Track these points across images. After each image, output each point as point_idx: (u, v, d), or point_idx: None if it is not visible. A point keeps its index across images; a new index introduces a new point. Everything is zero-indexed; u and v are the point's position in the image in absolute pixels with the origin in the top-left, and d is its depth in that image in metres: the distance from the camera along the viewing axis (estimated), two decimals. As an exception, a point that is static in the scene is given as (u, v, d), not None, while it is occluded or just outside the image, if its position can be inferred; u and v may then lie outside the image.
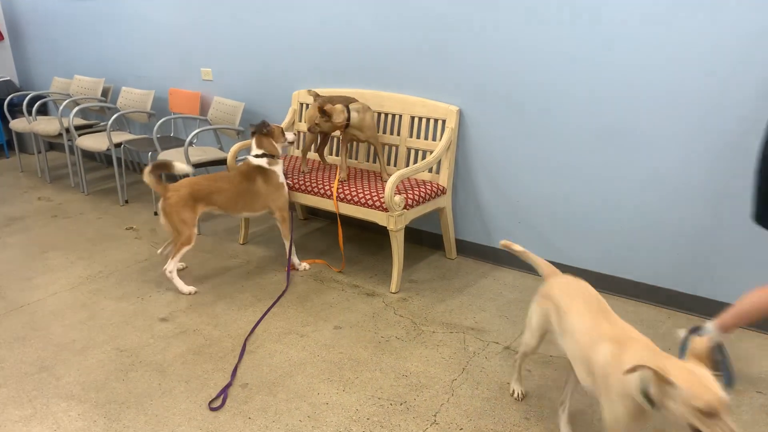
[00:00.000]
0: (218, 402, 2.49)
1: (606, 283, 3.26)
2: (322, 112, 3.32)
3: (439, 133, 3.54)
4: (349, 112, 3.38)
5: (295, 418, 2.38)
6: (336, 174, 3.65)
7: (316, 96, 3.72)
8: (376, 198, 3.26)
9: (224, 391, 2.56)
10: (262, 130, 3.46)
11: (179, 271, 3.63)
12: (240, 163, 3.58)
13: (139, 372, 2.69)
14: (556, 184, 3.28)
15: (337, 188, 3.41)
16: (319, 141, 3.84)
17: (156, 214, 4.39)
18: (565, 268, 3.38)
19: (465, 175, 3.60)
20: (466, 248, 3.74)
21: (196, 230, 3.37)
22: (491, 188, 3.53)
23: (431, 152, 3.57)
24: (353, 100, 3.51)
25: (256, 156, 3.49)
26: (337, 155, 4.03)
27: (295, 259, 3.61)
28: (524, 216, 3.44)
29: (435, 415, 2.37)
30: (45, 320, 3.14)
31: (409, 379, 2.60)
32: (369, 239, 4.06)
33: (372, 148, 3.84)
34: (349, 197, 3.35)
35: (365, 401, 2.46)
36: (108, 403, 2.49)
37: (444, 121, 3.52)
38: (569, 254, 3.35)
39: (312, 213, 4.52)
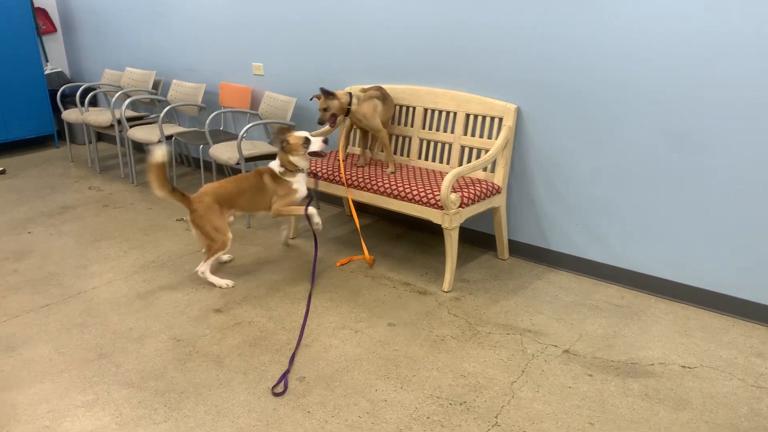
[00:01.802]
0: (280, 388, 2.50)
1: (668, 289, 3.17)
2: (326, 93, 3.47)
3: (495, 131, 3.50)
4: (351, 96, 3.55)
5: (354, 413, 2.36)
6: (384, 168, 3.66)
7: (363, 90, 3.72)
8: (431, 195, 3.23)
9: (284, 377, 2.56)
10: (280, 146, 3.35)
11: (225, 263, 3.67)
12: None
13: (196, 362, 2.71)
14: (619, 186, 3.21)
15: (346, 175, 3.42)
16: (359, 135, 3.85)
17: (181, 220, 4.40)
18: (623, 273, 3.30)
19: (520, 175, 3.55)
20: (518, 249, 3.69)
21: (230, 234, 3.35)
22: (548, 189, 3.47)
23: (486, 151, 3.53)
24: (380, 92, 3.63)
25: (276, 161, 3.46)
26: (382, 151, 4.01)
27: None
28: (582, 218, 3.38)
29: (496, 417, 2.33)
30: (101, 308, 3.18)
31: (468, 379, 2.56)
32: (418, 237, 4.03)
33: (405, 141, 3.80)
34: (402, 194, 3.33)
35: (424, 400, 2.43)
36: (167, 392, 2.50)
37: (501, 119, 3.47)
38: (629, 258, 3.27)
39: (361, 209, 4.50)
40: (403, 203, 3.34)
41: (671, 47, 2.88)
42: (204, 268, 3.36)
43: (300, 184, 3.43)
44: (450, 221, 3.17)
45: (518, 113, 3.45)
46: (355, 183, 3.55)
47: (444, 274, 3.43)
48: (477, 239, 3.84)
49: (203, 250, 3.39)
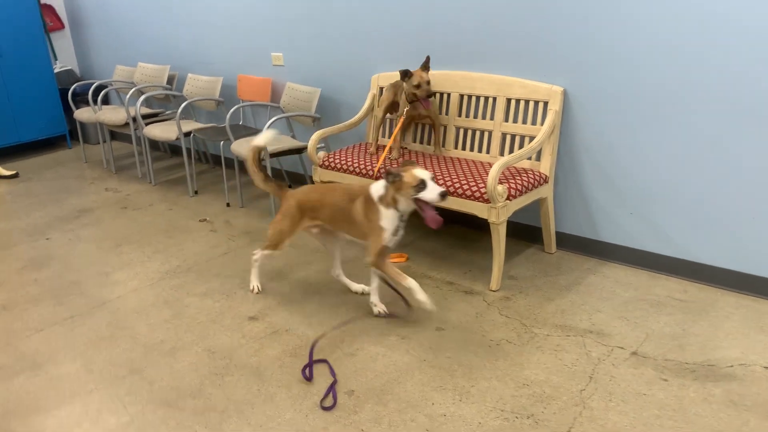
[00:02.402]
0: (329, 401, 2.31)
1: (736, 281, 2.94)
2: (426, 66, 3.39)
3: (540, 116, 3.26)
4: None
5: (412, 431, 2.16)
6: (414, 159, 3.45)
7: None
8: (475, 188, 3.01)
9: (332, 389, 2.37)
10: (389, 180, 2.67)
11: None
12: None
13: (235, 376, 2.51)
14: (679, 172, 2.98)
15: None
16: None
17: (204, 221, 4.20)
18: (684, 264, 3.07)
19: (567, 163, 3.32)
20: (566, 241, 3.46)
21: (287, 243, 3.00)
22: (598, 176, 3.23)
23: (530, 138, 3.30)
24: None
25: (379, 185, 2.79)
26: (423, 142, 3.78)
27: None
28: (637, 207, 3.15)
29: (569, 431, 2.12)
30: (129, 319, 2.99)
31: (532, 388, 2.35)
32: (456, 231, 3.81)
33: (456, 132, 3.58)
34: (443, 187, 3.10)
35: (487, 413, 2.23)
36: (207, 411, 2.31)
37: (546, 103, 3.23)
38: (690, 249, 3.04)
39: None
40: (451, 199, 3.11)
41: (741, 19, 2.63)
42: (258, 255, 3.15)
43: (389, 224, 2.72)
44: (497, 215, 2.95)
45: (564, 96, 3.21)
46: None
47: (490, 271, 3.22)
48: (521, 232, 3.62)
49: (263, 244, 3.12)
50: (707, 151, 2.87)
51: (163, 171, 5.47)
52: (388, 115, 3.76)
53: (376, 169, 3.39)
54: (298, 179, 4.87)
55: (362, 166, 3.47)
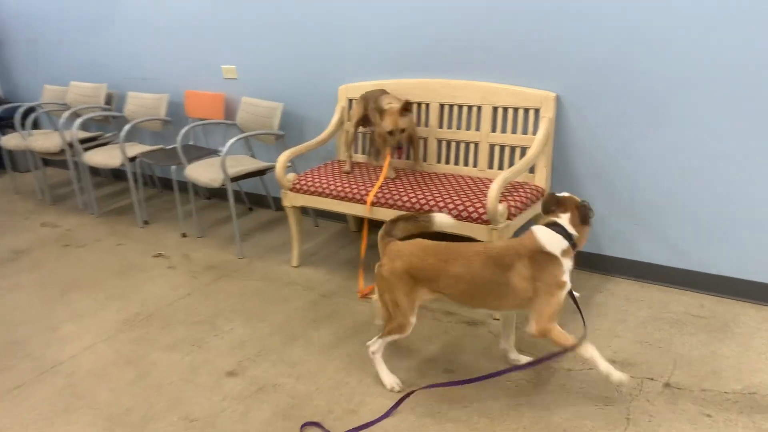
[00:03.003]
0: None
1: (755, 293, 2.76)
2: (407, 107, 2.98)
3: (532, 124, 3.01)
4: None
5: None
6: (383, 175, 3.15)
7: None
8: (471, 208, 2.72)
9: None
10: (581, 213, 2.21)
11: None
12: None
13: (222, 451, 2.15)
14: (685, 180, 2.78)
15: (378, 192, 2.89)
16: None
17: (159, 256, 3.78)
18: (697, 276, 2.88)
19: (563, 174, 3.08)
20: (563, 257, 3.22)
21: (413, 318, 2.30)
22: (598, 187, 3.01)
23: (522, 149, 3.04)
24: (383, 92, 3.19)
25: (550, 228, 2.19)
26: (401, 157, 3.48)
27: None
28: (642, 217, 2.93)
29: (621, 491, 1.86)
30: (87, 384, 2.57)
31: (567, 438, 2.08)
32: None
33: (438, 145, 3.30)
34: (436, 209, 2.81)
35: (524, 475, 1.94)
36: (194, 502, 1.94)
37: (538, 111, 2.98)
38: (703, 260, 2.85)
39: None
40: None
41: (745, 20, 2.44)
42: (376, 347, 2.40)
43: (569, 275, 2.20)
44: (499, 238, 2.67)
45: (558, 102, 2.97)
46: (380, 200, 3.01)
47: (489, 296, 2.95)
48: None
49: (379, 320, 2.45)
50: (715, 157, 2.67)
51: (107, 199, 4.98)
52: (360, 129, 3.44)
53: (370, 197, 3.01)
54: (259, 201, 4.49)
55: (340, 188, 3.13)
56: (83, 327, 3.02)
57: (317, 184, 3.22)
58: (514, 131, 3.07)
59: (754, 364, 2.37)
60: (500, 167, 3.14)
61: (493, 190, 2.61)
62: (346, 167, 3.31)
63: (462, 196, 2.83)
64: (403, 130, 2.96)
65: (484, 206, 2.71)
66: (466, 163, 3.25)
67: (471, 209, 2.72)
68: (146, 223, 4.36)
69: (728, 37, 2.50)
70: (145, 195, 4.95)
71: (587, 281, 3.09)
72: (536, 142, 2.90)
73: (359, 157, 3.60)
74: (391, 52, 3.41)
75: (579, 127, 2.96)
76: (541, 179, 2.99)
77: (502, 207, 2.65)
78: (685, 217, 2.83)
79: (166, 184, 5.07)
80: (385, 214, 2.97)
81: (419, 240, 2.33)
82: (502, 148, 3.11)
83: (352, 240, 3.81)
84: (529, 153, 2.87)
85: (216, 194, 4.78)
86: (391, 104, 2.98)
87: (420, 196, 2.88)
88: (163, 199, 4.87)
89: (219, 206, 4.63)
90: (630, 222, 2.97)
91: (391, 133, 2.97)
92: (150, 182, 5.16)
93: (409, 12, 3.25)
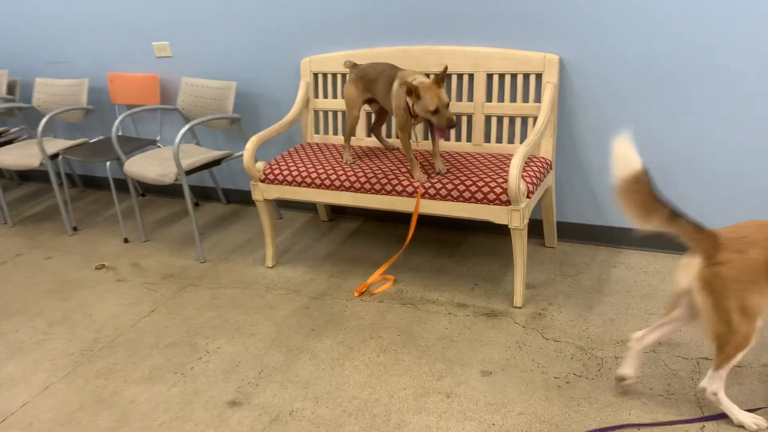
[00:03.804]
0: None
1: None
2: (409, 92, 2.43)
3: (533, 91, 2.75)
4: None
5: None
6: (410, 163, 2.79)
7: (353, 66, 2.81)
8: (486, 189, 2.44)
9: None
10: None
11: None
12: None
13: (251, 506, 1.77)
14: (697, 144, 2.62)
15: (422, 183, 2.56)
16: (374, 118, 2.96)
17: (102, 267, 3.24)
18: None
19: (568, 143, 2.85)
20: (568, 232, 3.02)
21: (760, 323, 1.74)
22: (604, 156, 2.80)
23: (522, 119, 2.79)
24: (391, 67, 2.68)
25: None
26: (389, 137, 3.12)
27: None
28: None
29: (728, 494, 1.66)
30: (52, 439, 2.09)
31: (646, 438, 1.86)
32: (435, 237, 3.23)
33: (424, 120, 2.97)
34: (444, 192, 2.51)
35: (617, 490, 1.71)
36: None
37: (539, 76, 2.73)
38: (710, 222, 2.71)
39: (337, 211, 3.60)
40: (444, 203, 2.52)
41: (774, -43, 2.28)
42: (716, 386, 1.83)
43: None
44: (521, 218, 2.41)
45: (561, 66, 2.72)
46: (375, 186, 2.66)
47: (499, 280, 2.72)
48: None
49: (713, 341, 1.80)
50: (729, 121, 2.53)
51: (19, 205, 4.29)
52: (365, 107, 2.99)
53: (419, 184, 2.55)
54: (205, 194, 4.00)
55: (328, 175, 2.75)
56: (29, 364, 2.49)
57: (299, 172, 2.82)
58: (512, 100, 2.80)
59: (802, 332, 2.26)
60: (498, 140, 2.87)
61: (514, 167, 2.34)
62: (347, 156, 2.88)
63: (470, 175, 2.54)
64: (448, 105, 2.41)
65: (500, 185, 2.43)
66: (458, 138, 2.95)
67: (486, 190, 2.44)
68: (75, 229, 3.76)
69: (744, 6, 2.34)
70: (71, 195, 4.31)
71: (595, 255, 2.90)
72: (543, 110, 2.64)
73: (332, 139, 3.22)
74: (362, 16, 3.03)
75: (584, 93, 2.73)
76: (547, 151, 2.75)
77: (522, 185, 2.38)
78: (695, 181, 2.68)
79: (89, 182, 4.44)
80: (373, 201, 2.63)
81: (749, 222, 1.82)
82: (500, 119, 2.84)
83: (325, 231, 3.43)
84: (539, 122, 2.61)
85: (150, 190, 4.23)
86: (420, 80, 2.47)
87: (430, 180, 2.56)
88: (89, 200, 4.26)
89: (157, 204, 4.09)
90: (641, 190, 2.80)
91: (435, 111, 2.38)
92: (71, 182, 4.50)
93: (383, -29, 2.89)
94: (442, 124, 2.39)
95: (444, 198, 2.51)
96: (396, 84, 2.55)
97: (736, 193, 2.64)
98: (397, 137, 2.71)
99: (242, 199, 3.86)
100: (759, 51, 2.40)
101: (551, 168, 2.76)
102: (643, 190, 1.71)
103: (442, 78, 2.40)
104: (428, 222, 3.29)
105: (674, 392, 2.02)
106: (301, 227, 3.51)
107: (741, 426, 1.84)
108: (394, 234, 3.30)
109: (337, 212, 3.58)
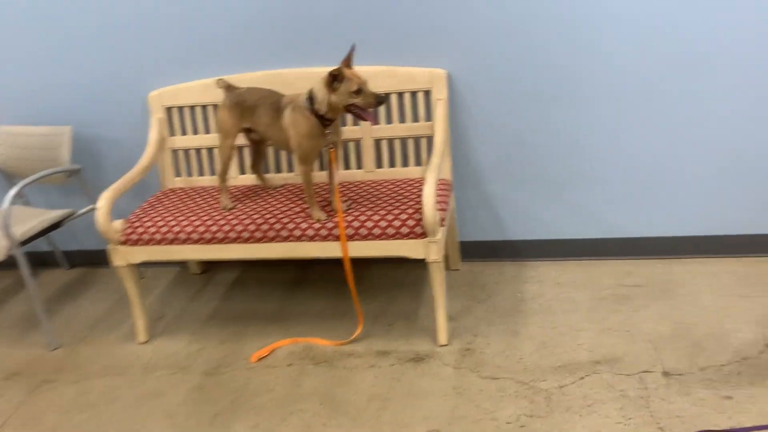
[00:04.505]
0: None
1: (670, 247, 2.71)
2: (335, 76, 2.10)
3: (423, 109, 2.56)
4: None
5: None
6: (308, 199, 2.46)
7: (228, 87, 2.43)
8: (398, 223, 2.20)
9: None
10: None
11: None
12: None
13: None
14: (591, 149, 2.59)
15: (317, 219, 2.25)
16: (252, 152, 2.59)
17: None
18: (613, 243, 2.74)
19: (461, 160, 2.70)
20: (469, 252, 2.87)
21: None
22: (501, 170, 2.68)
23: (414, 139, 2.59)
24: (273, 93, 2.37)
25: None
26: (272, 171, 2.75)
27: None
28: (550, 194, 2.69)
29: None
30: None
31: (622, 477, 1.73)
32: (335, 278, 2.91)
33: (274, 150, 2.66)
34: (350, 231, 2.22)
35: None
36: None
37: (428, 93, 2.54)
38: (612, 226, 2.71)
39: (210, 261, 3.15)
40: (362, 245, 2.23)
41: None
42: None
43: None
44: (438, 250, 2.20)
45: (449, 81, 2.55)
46: (268, 233, 2.30)
47: (412, 317, 2.52)
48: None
49: None
50: (619, 124, 2.53)
51: None
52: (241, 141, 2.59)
53: (340, 227, 2.22)
54: (41, 261, 3.33)
55: (207, 227, 2.34)
56: None
57: (164, 229, 2.37)
58: (401, 120, 2.58)
59: (723, 324, 2.28)
60: (391, 165, 2.65)
61: (430, 196, 2.11)
62: (225, 201, 2.47)
63: (375, 209, 2.28)
64: (366, 83, 2.11)
65: (411, 217, 2.20)
66: (347, 166, 2.68)
67: (397, 224, 2.19)
68: None
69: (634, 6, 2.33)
70: None
71: (503, 272, 2.78)
72: (438, 128, 2.45)
73: (199, 181, 2.80)
74: (222, 39, 2.65)
75: (474, 106, 2.59)
76: (446, 171, 2.57)
77: (437, 214, 2.17)
78: (593, 186, 2.66)
79: None
80: (262, 250, 2.29)
81: None
82: (390, 141, 2.62)
83: (200, 287, 2.99)
84: (438, 142, 2.41)
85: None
86: (312, 87, 2.19)
87: (330, 219, 2.26)
88: None
89: (-22, 279, 3.34)
90: (538, 201, 2.72)
91: (358, 91, 2.08)
92: None
93: (238, -13, 2.54)
94: (370, 100, 2.10)
95: (351, 238, 2.23)
96: (289, 110, 2.23)
97: (632, 202, 2.65)
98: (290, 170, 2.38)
99: (89, 260, 3.26)
100: (645, 56, 2.41)
101: (452, 188, 2.58)
102: None
103: (349, 59, 2.14)
104: (311, 261, 2.98)
105: (630, 416, 1.91)
106: (169, 286, 3.02)
107: None
108: (284, 278, 2.95)
109: (211, 261, 3.14)
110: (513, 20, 2.43)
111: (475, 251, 2.86)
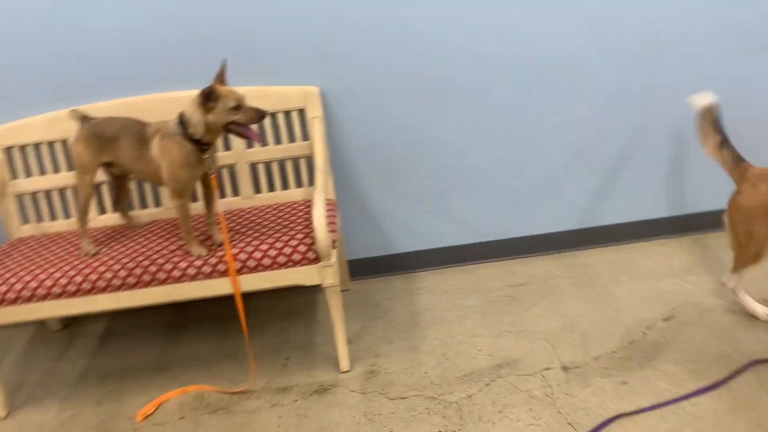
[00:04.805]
0: None
1: (540, 244, 2.83)
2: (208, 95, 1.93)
3: (298, 128, 2.46)
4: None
5: None
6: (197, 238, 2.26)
7: (83, 119, 2.19)
8: (289, 250, 2.09)
9: None
10: None
11: None
12: None
13: None
14: (464, 155, 2.65)
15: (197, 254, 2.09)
16: (114, 188, 2.34)
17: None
18: (492, 246, 2.81)
19: (340, 177, 2.63)
20: (357, 270, 2.81)
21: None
22: (380, 185, 2.66)
23: (292, 160, 2.49)
24: (136, 122, 2.16)
25: None
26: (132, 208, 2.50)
27: None
28: (430, 204, 2.71)
29: None
30: None
31: (544, 479, 1.75)
32: (217, 314, 2.72)
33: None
34: (237, 264, 2.08)
35: None
36: None
37: (301, 111, 2.45)
38: (487, 229, 2.79)
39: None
40: (252, 277, 2.09)
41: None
42: (733, 282, 2.24)
43: None
44: (333, 274, 2.11)
45: (323, 98, 2.48)
46: (143, 277, 2.08)
47: (309, 347, 2.42)
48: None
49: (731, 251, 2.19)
50: (485, 131, 2.61)
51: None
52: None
53: (228, 260, 2.05)
54: None
55: (70, 278, 2.07)
56: None
57: (18, 286, 2.07)
58: (278, 141, 2.47)
59: (603, 312, 2.41)
60: (271, 189, 2.53)
61: (320, 218, 2.03)
62: (87, 246, 2.20)
63: (262, 237, 2.15)
64: (243, 98, 1.96)
65: (302, 242, 2.10)
66: (222, 194, 2.51)
67: (288, 251, 2.08)
68: None
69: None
70: None
71: (393, 287, 2.75)
72: (318, 147, 2.37)
73: (52, 227, 2.49)
74: (67, 65, 2.38)
75: (348, 123, 2.54)
76: (329, 190, 2.49)
77: (330, 237, 2.09)
78: (468, 192, 2.72)
79: None
80: (127, 299, 2.08)
81: None
82: (267, 165, 2.49)
83: (65, 344, 2.66)
84: (319, 161, 2.33)
85: None
86: (183, 111, 2.00)
87: (210, 254, 2.09)
88: None
89: None
90: (420, 212, 2.73)
91: (237, 107, 1.94)
92: None
93: (78, 16, 2.29)
94: (251, 115, 1.96)
95: (239, 272, 2.08)
96: (157, 139, 2.03)
97: (504, 205, 2.74)
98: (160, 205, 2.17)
99: None
100: (505, 65, 2.49)
101: (338, 208, 2.52)
102: (708, 119, 2.15)
103: (222, 75, 2.00)
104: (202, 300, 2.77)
105: (540, 416, 1.95)
106: (27, 348, 2.66)
107: (755, 315, 2.22)
108: (161, 323, 2.71)
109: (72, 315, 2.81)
110: (381, 34, 2.42)
111: (363, 269, 2.81)
